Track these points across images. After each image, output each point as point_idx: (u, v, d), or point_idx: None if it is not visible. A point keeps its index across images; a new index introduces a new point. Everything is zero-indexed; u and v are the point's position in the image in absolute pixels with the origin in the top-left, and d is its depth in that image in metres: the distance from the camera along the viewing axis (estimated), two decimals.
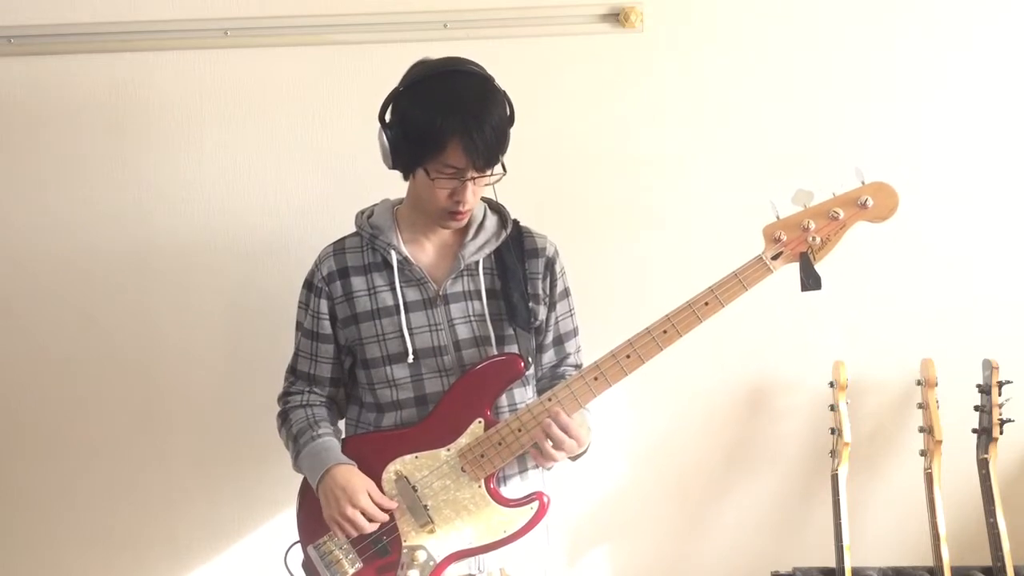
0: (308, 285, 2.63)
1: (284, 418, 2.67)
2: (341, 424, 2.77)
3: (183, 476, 3.50)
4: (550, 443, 2.41)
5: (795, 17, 3.29)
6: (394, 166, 2.47)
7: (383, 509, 2.48)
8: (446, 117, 2.30)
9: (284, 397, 2.71)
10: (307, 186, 3.34)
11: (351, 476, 2.48)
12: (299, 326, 2.67)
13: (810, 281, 2.38)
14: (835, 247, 2.39)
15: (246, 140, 3.32)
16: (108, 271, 3.37)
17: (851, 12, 3.28)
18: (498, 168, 2.42)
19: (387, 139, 2.42)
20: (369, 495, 2.46)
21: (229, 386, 3.43)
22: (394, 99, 2.43)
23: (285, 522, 3.21)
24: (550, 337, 2.69)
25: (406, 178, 2.52)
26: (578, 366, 2.75)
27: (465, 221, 2.51)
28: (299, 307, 2.67)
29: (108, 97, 3.29)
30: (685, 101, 3.33)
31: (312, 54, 3.29)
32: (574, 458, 2.56)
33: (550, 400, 2.45)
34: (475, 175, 2.37)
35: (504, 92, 2.42)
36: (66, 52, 3.26)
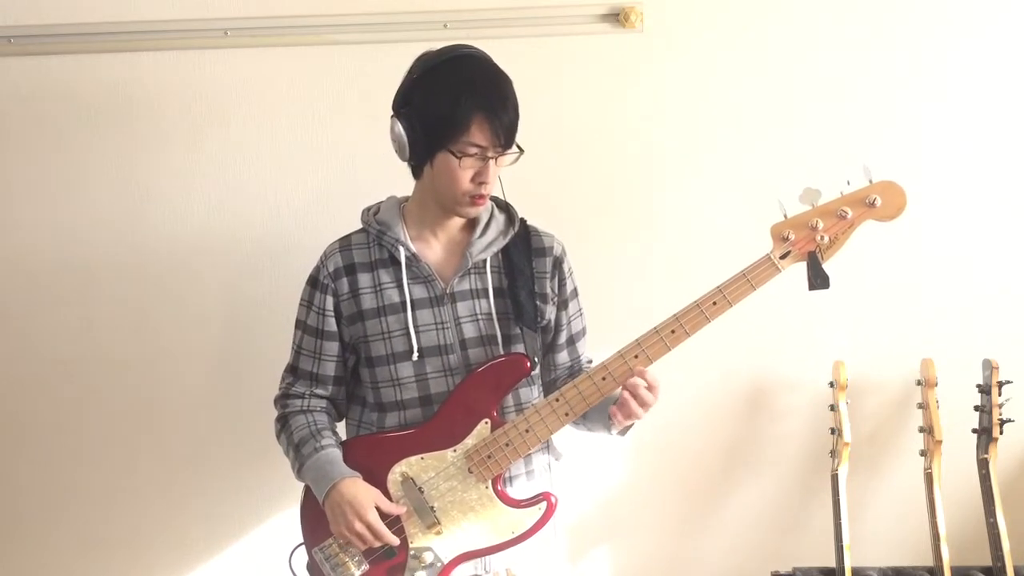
0: (313, 282, 2.61)
1: (284, 423, 2.65)
2: (341, 425, 2.75)
3: (183, 476, 3.49)
4: (634, 401, 2.41)
5: (795, 16, 3.29)
6: (411, 156, 2.46)
7: (391, 516, 2.47)
8: (468, 96, 2.33)
9: (283, 400, 2.67)
10: (307, 186, 3.34)
11: (357, 490, 2.47)
12: (301, 324, 2.64)
13: (818, 280, 2.38)
14: (843, 246, 2.40)
15: (246, 140, 3.32)
16: (107, 271, 3.37)
17: (852, 11, 3.29)
18: (515, 148, 2.44)
19: (403, 129, 2.42)
20: (377, 506, 2.46)
21: (229, 386, 3.43)
22: (408, 89, 2.43)
23: (287, 522, 3.21)
24: (563, 337, 2.70)
25: (418, 172, 2.51)
26: (590, 362, 2.76)
27: (484, 206, 2.51)
28: (301, 305, 2.64)
29: (108, 97, 3.28)
30: (685, 101, 3.33)
31: (312, 54, 3.29)
32: (623, 432, 2.59)
33: (557, 400, 2.44)
34: (496, 154, 2.39)
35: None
36: (66, 52, 3.25)
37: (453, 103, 2.33)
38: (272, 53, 3.29)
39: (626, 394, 2.41)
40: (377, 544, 2.46)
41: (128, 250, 3.35)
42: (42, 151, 3.31)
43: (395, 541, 2.47)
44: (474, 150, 2.37)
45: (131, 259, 3.36)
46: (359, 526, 2.42)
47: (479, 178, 2.41)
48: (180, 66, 3.28)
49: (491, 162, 2.40)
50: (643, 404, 2.41)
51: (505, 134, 2.37)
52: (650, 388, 2.41)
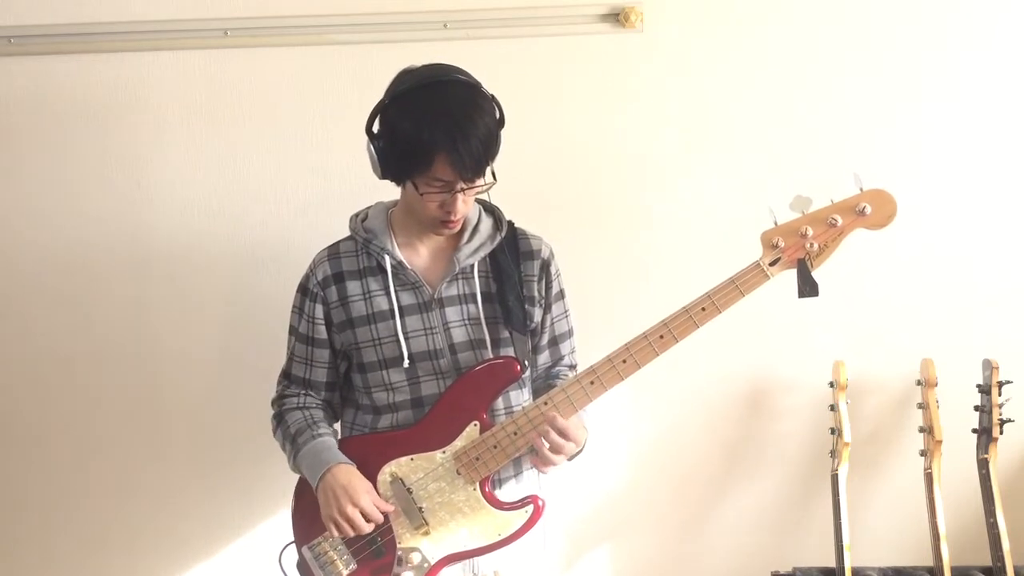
0: (303, 290, 2.62)
1: (280, 419, 2.67)
2: (336, 427, 2.76)
3: (180, 476, 3.51)
4: (547, 447, 2.41)
5: (795, 18, 3.28)
6: (384, 177, 2.46)
7: (381, 512, 2.49)
8: (432, 132, 2.28)
9: (279, 400, 2.70)
10: (307, 186, 3.35)
11: (352, 476, 2.48)
12: (293, 331, 2.66)
13: (807, 288, 2.38)
14: (832, 254, 2.39)
15: (246, 140, 3.33)
16: (107, 271, 3.38)
17: (851, 15, 3.28)
18: (488, 177, 2.41)
19: (375, 151, 2.42)
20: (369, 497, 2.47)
21: (227, 386, 3.44)
22: (380, 111, 2.42)
23: (282, 522, 3.22)
24: (545, 339, 2.69)
25: (399, 185, 2.51)
26: (573, 366, 2.76)
27: (458, 228, 2.50)
28: (293, 311, 2.66)
29: (108, 97, 3.30)
30: (685, 101, 3.32)
31: (312, 54, 3.29)
32: (571, 458, 2.54)
33: (546, 404, 2.45)
34: (464, 186, 2.36)
35: (492, 97, 2.41)
36: (66, 52, 3.27)
37: (416, 138, 2.30)
38: (272, 53, 3.29)
39: (538, 441, 2.43)
40: (366, 529, 2.47)
41: (128, 250, 3.37)
42: (42, 151, 3.32)
43: (380, 518, 2.48)
44: (438, 184, 2.35)
45: (131, 259, 3.38)
46: (351, 510, 2.43)
47: (446, 207, 2.40)
48: (180, 66, 3.29)
49: (459, 194, 2.38)
50: (557, 451, 2.42)
51: (471, 170, 2.33)
52: (562, 432, 2.42)
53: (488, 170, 2.40)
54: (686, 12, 3.28)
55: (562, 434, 2.41)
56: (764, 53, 3.30)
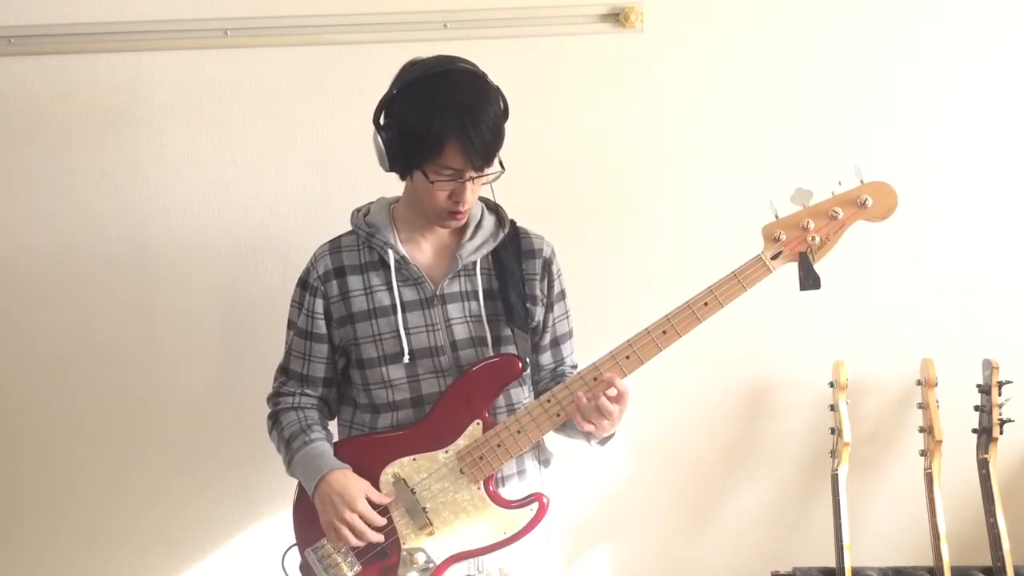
0: (303, 284, 2.61)
1: (275, 420, 2.66)
2: (333, 425, 2.74)
3: (180, 476, 3.50)
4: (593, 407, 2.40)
5: (795, 17, 3.29)
6: (391, 169, 2.44)
7: (380, 505, 2.48)
8: (442, 119, 2.27)
9: (274, 398, 2.68)
10: (307, 186, 3.34)
11: (347, 481, 2.47)
12: (292, 325, 2.65)
13: (809, 281, 2.38)
14: (834, 247, 2.39)
15: (246, 140, 3.32)
16: (106, 271, 3.37)
17: (852, 13, 3.28)
18: (496, 166, 2.41)
19: (382, 142, 2.40)
20: (367, 497, 2.46)
21: (227, 385, 3.44)
22: (388, 102, 2.41)
23: (283, 521, 3.21)
24: (547, 339, 2.68)
25: (403, 178, 2.50)
26: (575, 367, 2.75)
27: (464, 220, 2.49)
28: (292, 306, 2.65)
29: (108, 97, 3.29)
30: (685, 101, 3.33)
31: (312, 54, 3.29)
32: (603, 442, 2.56)
33: (548, 402, 2.44)
34: (473, 175, 2.36)
35: (497, 88, 2.40)
36: (66, 52, 3.26)
37: (426, 126, 2.28)
38: (272, 53, 3.29)
39: (582, 399, 2.41)
40: (367, 533, 2.45)
41: (127, 249, 3.36)
42: (42, 151, 3.31)
43: (382, 522, 2.47)
44: (448, 172, 2.34)
45: (130, 258, 3.37)
46: (349, 515, 2.43)
47: (455, 197, 2.39)
48: (180, 66, 3.28)
49: (468, 183, 2.37)
50: (606, 414, 2.40)
51: (481, 157, 2.32)
52: (617, 398, 2.41)
53: (496, 159, 2.39)
54: (686, 12, 3.29)
55: (616, 400, 2.41)
56: (764, 53, 3.30)
